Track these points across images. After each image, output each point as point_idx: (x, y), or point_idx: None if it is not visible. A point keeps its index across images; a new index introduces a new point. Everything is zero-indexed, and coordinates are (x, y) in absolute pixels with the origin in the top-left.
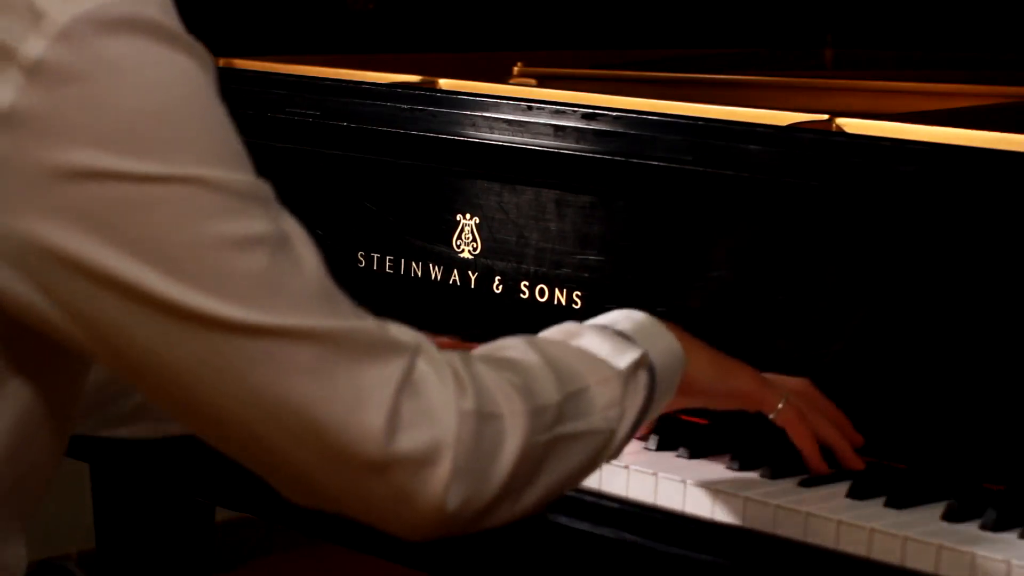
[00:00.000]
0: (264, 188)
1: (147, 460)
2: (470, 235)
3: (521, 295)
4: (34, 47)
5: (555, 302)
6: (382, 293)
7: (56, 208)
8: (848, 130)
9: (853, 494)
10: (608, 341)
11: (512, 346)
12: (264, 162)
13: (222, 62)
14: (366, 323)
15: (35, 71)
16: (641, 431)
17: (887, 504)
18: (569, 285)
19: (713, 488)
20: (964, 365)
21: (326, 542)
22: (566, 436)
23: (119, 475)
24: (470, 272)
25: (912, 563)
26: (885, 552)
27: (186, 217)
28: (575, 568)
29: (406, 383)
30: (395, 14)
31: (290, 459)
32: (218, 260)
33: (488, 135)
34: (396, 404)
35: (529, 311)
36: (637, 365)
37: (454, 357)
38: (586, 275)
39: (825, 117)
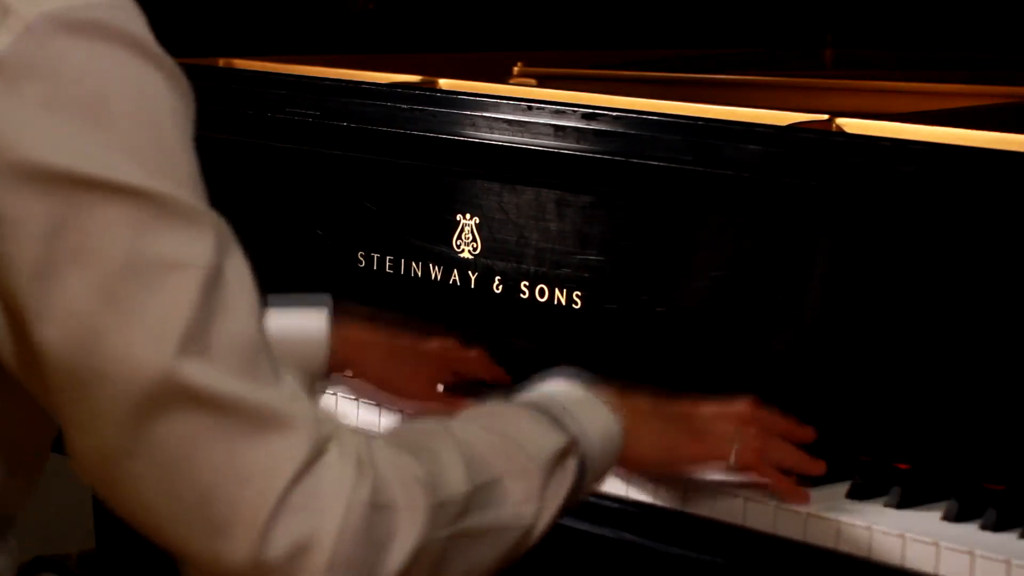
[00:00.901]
0: (216, 221)
1: None
2: (470, 235)
3: (521, 295)
4: None
5: (555, 302)
6: (382, 293)
7: (4, 205)
8: (848, 130)
9: (853, 494)
10: (537, 425)
11: (427, 430)
12: (264, 162)
13: (222, 62)
14: (279, 396)
15: None
16: None
17: (887, 504)
18: (569, 285)
19: (713, 488)
20: (964, 365)
21: None
22: (471, 531)
23: None
24: (470, 272)
25: (912, 563)
26: (885, 552)
27: (124, 229)
28: (575, 568)
29: (306, 466)
30: (395, 14)
31: (171, 530)
32: (146, 280)
33: (488, 135)
34: (289, 486)
35: (529, 311)
36: (564, 453)
37: (362, 442)
38: (586, 275)
39: (825, 117)
